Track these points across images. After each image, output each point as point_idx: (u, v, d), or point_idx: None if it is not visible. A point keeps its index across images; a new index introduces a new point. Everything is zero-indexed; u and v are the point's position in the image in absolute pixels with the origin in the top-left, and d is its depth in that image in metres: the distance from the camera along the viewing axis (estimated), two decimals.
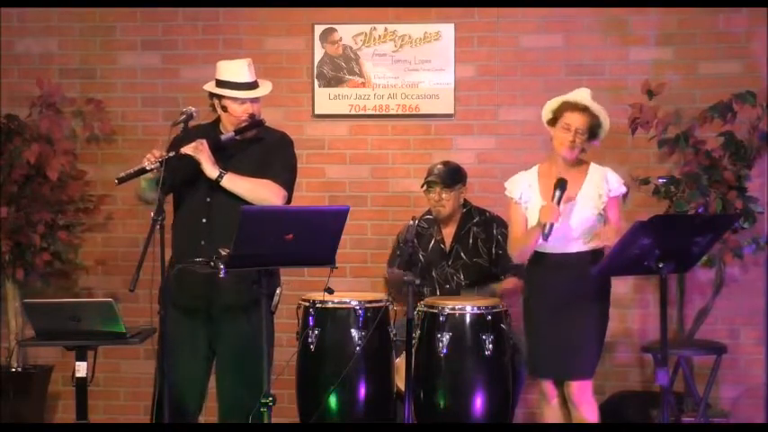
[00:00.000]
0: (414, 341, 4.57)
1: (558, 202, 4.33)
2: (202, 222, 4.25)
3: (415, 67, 5.87)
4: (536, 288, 4.55)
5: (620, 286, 4.68)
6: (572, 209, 4.42)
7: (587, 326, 4.43)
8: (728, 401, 5.67)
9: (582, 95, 4.48)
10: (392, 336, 4.83)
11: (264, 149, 4.34)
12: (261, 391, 3.85)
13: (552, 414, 4.58)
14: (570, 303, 4.39)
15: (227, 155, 4.28)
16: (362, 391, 4.75)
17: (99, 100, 5.86)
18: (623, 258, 4.02)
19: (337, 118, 5.92)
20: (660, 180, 5.47)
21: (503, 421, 4.73)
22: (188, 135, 4.15)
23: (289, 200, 4.36)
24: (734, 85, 5.43)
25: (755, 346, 5.72)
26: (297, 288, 5.35)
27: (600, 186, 4.46)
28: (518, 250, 4.59)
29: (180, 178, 4.16)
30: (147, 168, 4.11)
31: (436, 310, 4.72)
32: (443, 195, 5.20)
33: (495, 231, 5.23)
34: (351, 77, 5.90)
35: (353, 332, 4.73)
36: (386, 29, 5.88)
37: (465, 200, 5.32)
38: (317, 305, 4.76)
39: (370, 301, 4.83)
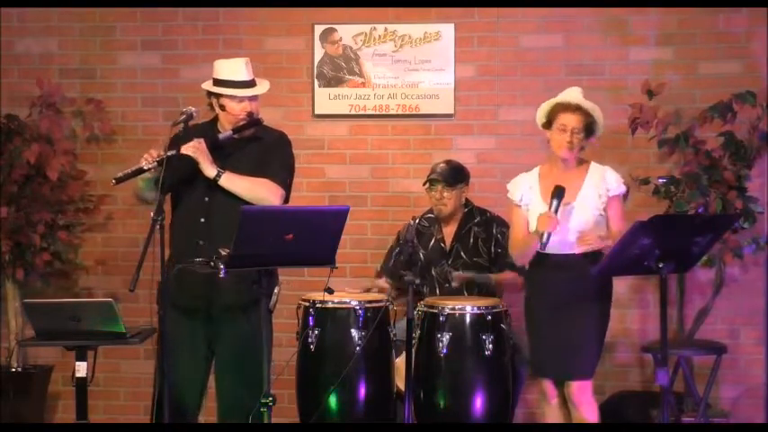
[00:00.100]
0: (414, 341, 4.58)
1: (556, 211, 4.34)
2: (200, 222, 4.24)
3: (415, 67, 5.87)
4: (537, 288, 4.55)
5: (620, 286, 4.68)
6: (573, 209, 4.43)
7: (587, 326, 4.43)
8: (728, 401, 5.67)
9: (573, 95, 4.49)
10: (392, 336, 4.83)
11: (262, 149, 4.34)
12: (260, 391, 3.85)
13: (552, 414, 4.58)
14: (570, 303, 4.39)
15: (224, 154, 4.28)
16: (362, 391, 4.75)
17: (99, 100, 5.86)
18: (623, 258, 4.03)
19: (337, 118, 5.92)
20: (660, 180, 5.47)
21: (503, 421, 4.73)
22: (186, 134, 4.15)
23: (287, 199, 4.37)
24: (734, 85, 5.44)
25: (755, 346, 5.72)
26: (297, 288, 5.35)
27: (599, 186, 4.46)
28: (518, 253, 4.63)
29: (178, 178, 4.15)
30: (145, 168, 4.11)
31: (436, 310, 4.72)
32: (445, 194, 5.20)
33: (494, 230, 5.23)
34: (351, 77, 5.90)
35: (353, 332, 4.73)
36: (386, 29, 5.88)
37: (467, 199, 5.32)
38: (317, 305, 4.76)
39: (370, 301, 4.83)
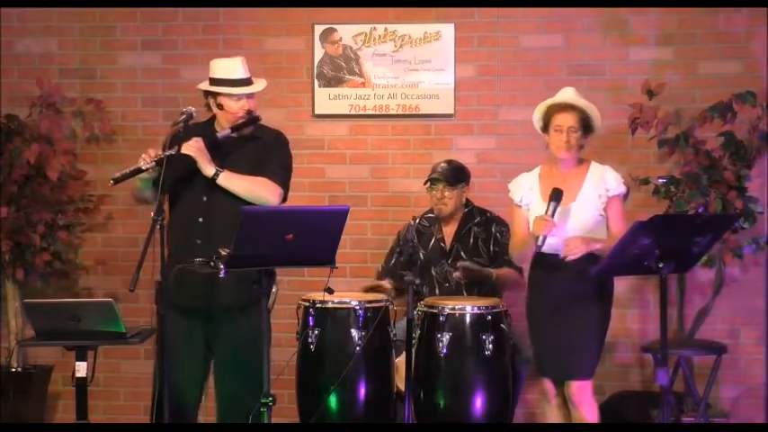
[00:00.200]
0: (414, 341, 4.57)
1: (553, 214, 4.34)
2: (199, 221, 4.24)
3: (415, 67, 5.87)
4: (537, 288, 4.55)
5: (620, 286, 4.68)
6: (573, 209, 4.43)
7: (587, 326, 4.43)
8: (728, 401, 5.67)
9: (565, 94, 4.49)
10: (392, 336, 4.83)
11: (260, 148, 4.34)
12: (259, 391, 3.85)
13: (552, 413, 4.58)
14: (570, 304, 4.39)
15: (222, 153, 4.28)
16: (362, 391, 4.74)
17: (99, 100, 5.86)
18: (623, 258, 4.02)
19: (337, 118, 5.92)
20: (660, 180, 5.47)
21: (503, 421, 4.73)
22: (183, 134, 4.14)
23: (285, 198, 4.37)
24: (734, 85, 5.44)
25: (755, 346, 5.72)
26: (297, 288, 5.35)
27: (599, 186, 4.46)
28: (518, 254, 4.67)
29: (176, 177, 4.15)
30: (143, 168, 4.12)
31: (436, 310, 4.71)
32: (446, 193, 5.20)
33: (493, 230, 5.23)
34: (351, 77, 5.90)
35: (353, 332, 4.72)
36: (386, 29, 5.88)
37: (467, 199, 5.32)
38: (317, 305, 4.76)
39: (370, 302, 4.82)
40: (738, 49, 5.71)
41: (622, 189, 4.50)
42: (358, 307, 4.76)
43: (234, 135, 4.30)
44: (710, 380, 5.30)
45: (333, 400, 4.69)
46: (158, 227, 3.87)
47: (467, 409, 4.66)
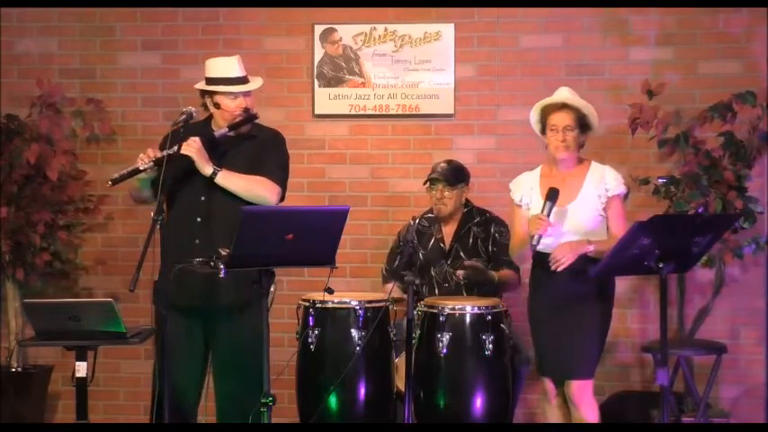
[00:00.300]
0: (414, 341, 4.58)
1: (549, 214, 4.33)
2: (197, 221, 4.24)
3: (415, 67, 5.87)
4: (538, 288, 4.55)
5: (620, 286, 4.68)
6: (573, 209, 4.43)
7: (588, 326, 4.43)
8: (728, 401, 5.67)
9: (560, 94, 4.50)
10: (392, 336, 4.83)
11: (257, 146, 4.35)
12: (259, 391, 3.85)
13: (553, 413, 4.58)
14: (571, 304, 4.39)
15: (220, 152, 4.28)
16: (362, 391, 4.75)
17: (99, 100, 5.86)
18: (623, 258, 4.02)
19: (337, 118, 5.92)
20: (660, 180, 5.47)
21: (503, 421, 4.73)
22: (180, 134, 4.14)
23: (282, 197, 4.37)
24: (734, 85, 5.44)
25: (755, 346, 5.72)
26: (297, 288, 5.35)
27: (599, 186, 4.46)
28: (518, 254, 4.68)
29: (174, 177, 4.15)
30: (141, 169, 4.12)
31: (436, 310, 4.71)
32: (445, 193, 5.20)
33: (492, 229, 5.23)
34: (351, 77, 5.90)
35: (353, 332, 4.73)
36: (386, 29, 5.88)
37: (467, 200, 5.32)
38: (317, 305, 4.76)
39: (370, 301, 4.82)
40: (738, 49, 5.71)
41: (622, 189, 4.49)
42: (358, 307, 4.76)
43: (231, 134, 4.30)
44: (710, 380, 5.30)
45: (333, 400, 4.70)
46: (158, 227, 3.88)
47: (467, 409, 4.66)
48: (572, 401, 4.46)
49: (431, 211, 5.31)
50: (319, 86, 5.91)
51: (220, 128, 4.32)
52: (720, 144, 5.38)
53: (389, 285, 5.02)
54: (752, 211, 5.31)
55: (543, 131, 4.52)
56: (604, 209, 4.45)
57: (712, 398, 5.46)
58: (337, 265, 3.89)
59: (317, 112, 5.92)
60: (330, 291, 4.08)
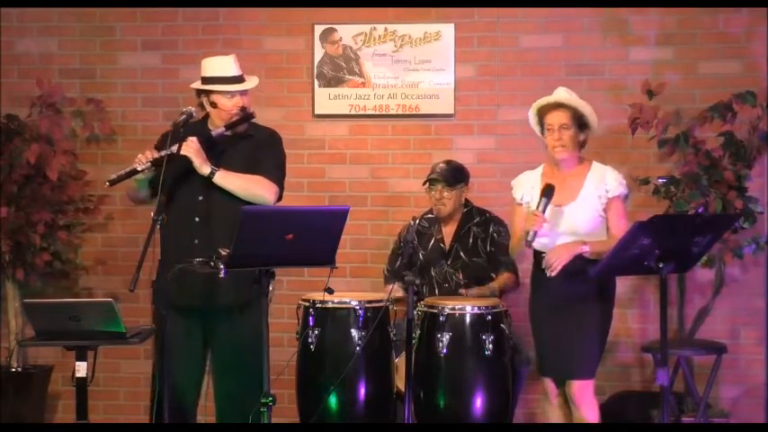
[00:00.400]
0: (414, 341, 4.57)
1: (544, 210, 4.33)
2: (195, 221, 4.24)
3: (415, 67, 5.87)
4: (539, 288, 4.55)
5: (620, 286, 4.67)
6: (573, 210, 4.42)
7: (588, 326, 4.42)
8: (728, 401, 5.67)
9: (555, 94, 4.49)
10: (392, 336, 4.83)
11: (254, 146, 4.35)
12: (258, 391, 3.85)
13: (553, 413, 4.58)
14: (572, 304, 4.39)
15: (217, 152, 4.28)
16: (362, 391, 4.75)
17: (99, 100, 5.86)
18: (623, 258, 4.02)
19: (337, 118, 5.92)
20: (660, 180, 5.47)
21: (503, 421, 4.73)
22: (183, 134, 4.14)
23: (280, 196, 4.37)
24: (734, 85, 5.44)
25: (755, 346, 5.72)
26: (297, 288, 5.35)
27: (599, 187, 4.46)
28: (518, 253, 4.69)
29: (171, 177, 4.15)
30: (139, 169, 4.13)
31: (436, 310, 4.72)
32: (445, 194, 5.20)
33: (491, 229, 5.24)
34: (351, 77, 5.90)
35: (353, 332, 4.73)
36: (386, 29, 5.88)
37: (466, 200, 5.32)
38: (317, 305, 4.76)
39: (370, 301, 4.82)
40: (738, 49, 5.71)
41: (622, 190, 4.47)
42: (358, 307, 4.76)
43: (228, 133, 4.31)
44: (710, 380, 5.30)
45: (333, 400, 4.70)
46: (158, 227, 3.88)
47: (467, 409, 4.67)
48: (573, 401, 4.46)
49: (431, 211, 5.31)
50: (319, 86, 5.91)
51: (217, 127, 4.32)
52: (720, 144, 5.38)
53: (391, 286, 5.02)
54: (752, 211, 5.31)
55: (543, 132, 4.52)
56: (604, 210, 4.45)
57: (712, 398, 5.46)
58: (337, 265, 3.89)
59: (316, 112, 5.92)
60: (330, 291, 4.08)
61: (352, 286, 5.59)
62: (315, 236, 3.80)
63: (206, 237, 4.18)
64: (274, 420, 3.91)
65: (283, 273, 5.38)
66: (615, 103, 5.64)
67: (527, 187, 4.56)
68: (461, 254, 5.22)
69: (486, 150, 5.85)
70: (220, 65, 4.34)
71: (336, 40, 5.90)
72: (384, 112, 5.89)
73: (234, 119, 4.30)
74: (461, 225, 5.27)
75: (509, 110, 5.79)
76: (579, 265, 4.34)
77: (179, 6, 5.91)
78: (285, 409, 4.83)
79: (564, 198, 4.43)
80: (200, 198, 4.25)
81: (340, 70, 5.90)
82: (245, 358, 4.07)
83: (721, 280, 5.50)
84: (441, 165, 5.28)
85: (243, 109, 4.32)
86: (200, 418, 4.43)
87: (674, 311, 5.54)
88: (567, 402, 4.51)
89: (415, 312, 4.61)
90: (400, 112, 5.88)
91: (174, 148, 4.11)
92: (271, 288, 4.06)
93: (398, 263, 5.27)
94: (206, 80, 4.33)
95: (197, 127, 4.34)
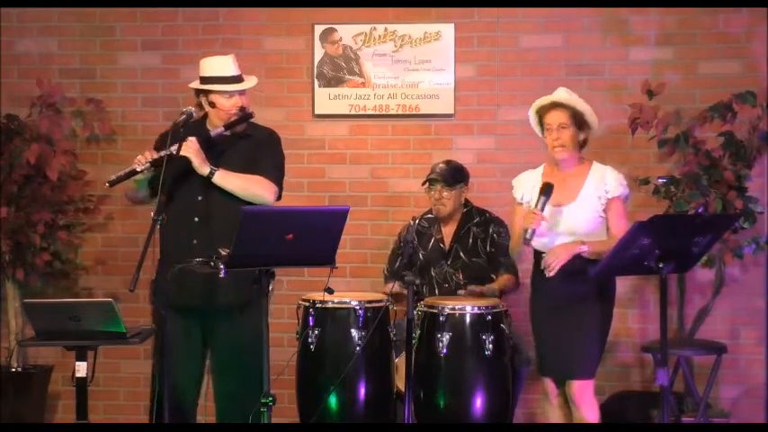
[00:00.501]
0: (414, 341, 4.58)
1: (542, 208, 4.33)
2: (194, 221, 4.25)
3: (415, 67, 5.87)
4: (539, 288, 4.55)
5: (620, 286, 4.68)
6: (572, 210, 4.42)
7: (588, 326, 4.42)
8: (728, 401, 5.67)
9: (555, 94, 4.48)
10: (392, 336, 4.83)
11: (253, 146, 4.35)
12: (258, 391, 3.85)
13: (553, 413, 4.58)
14: (572, 304, 4.39)
15: (216, 152, 4.28)
16: (362, 391, 4.75)
17: (99, 100, 5.86)
18: (623, 258, 4.02)
19: (337, 118, 5.92)
20: (660, 180, 5.47)
21: (503, 421, 4.73)
22: (183, 134, 4.14)
23: (279, 196, 4.37)
24: (734, 85, 5.44)
25: (755, 346, 5.72)
26: (297, 288, 5.35)
27: (599, 188, 4.45)
28: (518, 252, 4.67)
29: (171, 177, 4.15)
30: (138, 170, 4.13)
31: (436, 310, 4.72)
32: (444, 194, 5.20)
33: (491, 230, 5.24)
34: (351, 77, 5.90)
35: (353, 332, 4.73)
36: (386, 29, 5.88)
37: (466, 200, 5.32)
38: (317, 305, 4.76)
39: (370, 301, 4.82)
40: (738, 49, 5.71)
41: (622, 191, 4.46)
42: (358, 307, 4.76)
43: (227, 133, 4.31)
44: (710, 380, 5.30)
45: (333, 400, 4.70)
46: (158, 227, 3.88)
47: (467, 409, 4.67)
48: (573, 401, 4.46)
49: (431, 211, 5.31)
50: (319, 86, 5.91)
51: (215, 127, 4.32)
52: (720, 144, 5.38)
53: (390, 285, 5.02)
54: (752, 211, 5.31)
55: (543, 133, 4.52)
56: (604, 210, 4.45)
57: (712, 398, 5.46)
58: (337, 265, 3.89)
59: (316, 112, 5.92)
60: (330, 291, 4.08)
61: (352, 286, 5.59)
62: (315, 236, 3.80)
63: (205, 237, 4.18)
64: (274, 420, 3.91)
65: (283, 273, 5.37)
66: (615, 103, 5.64)
67: (528, 187, 4.56)
68: (461, 254, 5.22)
69: (486, 150, 5.85)
70: (219, 64, 4.34)
71: (336, 40, 5.90)
72: (384, 112, 5.89)
73: (233, 119, 4.30)
74: (461, 225, 5.27)
75: (509, 110, 5.79)
76: (579, 266, 4.34)
77: (179, 6, 5.91)
78: (285, 409, 4.83)
79: (564, 198, 4.43)
80: (200, 198, 4.25)
81: (340, 70, 5.90)
82: (245, 358, 4.07)
83: (721, 280, 5.50)
84: (440, 165, 5.28)
85: (242, 109, 4.32)
86: (200, 418, 4.43)
87: (674, 311, 5.54)
88: (566, 402, 4.51)
89: (415, 312, 4.61)
90: (400, 112, 5.88)
91: (174, 149, 4.11)
92: (270, 288, 4.06)
93: (398, 263, 5.27)
94: (204, 80, 4.33)
95: (195, 127, 4.34)
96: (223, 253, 3.71)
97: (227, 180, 4.21)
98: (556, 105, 4.45)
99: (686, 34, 5.75)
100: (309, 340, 4.75)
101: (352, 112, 5.90)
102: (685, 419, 5.33)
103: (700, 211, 5.23)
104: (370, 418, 4.74)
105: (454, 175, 5.23)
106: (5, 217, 5.53)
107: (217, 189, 4.21)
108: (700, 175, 5.32)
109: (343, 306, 4.79)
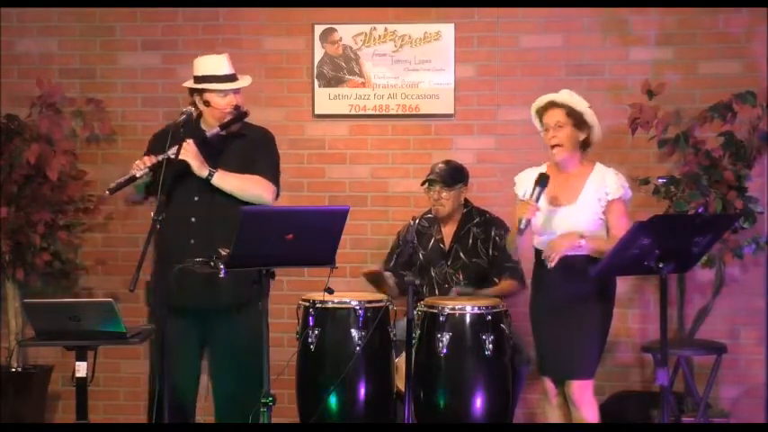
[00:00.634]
0: (414, 341, 4.58)
1: (537, 199, 4.33)
2: (191, 222, 4.25)
3: (415, 67, 5.87)
4: (539, 288, 4.55)
5: (620, 286, 4.67)
6: (573, 211, 4.42)
7: (588, 326, 4.42)
8: (728, 401, 5.67)
9: (553, 95, 4.48)
10: (392, 336, 4.83)
11: (248, 145, 4.35)
12: (257, 391, 3.85)
13: (553, 413, 4.58)
14: (571, 304, 4.39)
15: (212, 152, 4.28)
16: (362, 391, 4.74)
17: (99, 100, 5.86)
18: (623, 258, 4.02)
19: (337, 118, 5.92)
20: (660, 180, 5.47)
21: (503, 421, 4.73)
22: (180, 135, 4.14)
23: (277, 195, 4.37)
24: (734, 85, 5.44)
25: (755, 346, 5.72)
26: (297, 288, 5.35)
27: (599, 189, 4.45)
28: (513, 246, 4.66)
29: (169, 177, 4.14)
30: (138, 176, 4.13)
31: (436, 310, 4.71)
32: (443, 194, 5.20)
33: (493, 233, 5.23)
34: (351, 77, 5.90)
35: (353, 332, 4.72)
36: (386, 29, 5.88)
37: (466, 200, 5.32)
38: (317, 305, 4.76)
39: (370, 301, 4.82)
40: (738, 49, 5.71)
41: (622, 193, 4.45)
42: (358, 307, 4.76)
43: (223, 133, 4.30)
44: (710, 380, 5.30)
45: (333, 400, 4.69)
46: (158, 227, 3.87)
47: (467, 409, 4.66)
48: (572, 401, 4.46)
49: (431, 211, 5.31)
50: (319, 86, 5.91)
51: (210, 126, 4.32)
52: (720, 144, 5.38)
53: (387, 274, 5.04)
54: (752, 211, 5.31)
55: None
56: (604, 212, 4.44)
57: (712, 398, 5.46)
58: (337, 265, 3.89)
59: (316, 112, 5.92)
60: (330, 291, 4.08)
61: (352, 286, 5.58)
62: (315, 236, 3.80)
63: (202, 237, 4.17)
64: (274, 420, 3.90)
65: (283, 273, 5.37)
66: (615, 103, 5.64)
67: (529, 184, 4.55)
68: (461, 254, 5.22)
69: (486, 150, 5.85)
70: (213, 63, 4.34)
71: (336, 40, 5.90)
72: (384, 112, 5.89)
73: (227, 118, 4.30)
74: (461, 225, 5.27)
75: (509, 110, 5.80)
76: (579, 265, 4.34)
77: (179, 6, 5.91)
78: (285, 409, 4.82)
79: (564, 199, 4.43)
80: (196, 198, 4.25)
81: (340, 70, 5.90)
82: (245, 358, 4.07)
83: (721, 280, 5.50)
84: (440, 165, 5.28)
85: (236, 107, 4.32)
86: (200, 418, 4.43)
87: (674, 311, 5.54)
88: (566, 402, 4.51)
89: (415, 312, 4.61)
90: (400, 112, 5.89)
91: (171, 153, 4.11)
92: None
93: (393, 262, 5.27)
94: (199, 79, 4.33)
95: (190, 127, 4.34)
96: (223, 253, 3.71)
97: (225, 181, 4.21)
98: (553, 105, 4.45)
99: (686, 34, 5.75)
100: (309, 340, 4.75)
101: (352, 112, 5.90)
102: (685, 419, 5.33)
103: (700, 211, 5.23)
104: (370, 418, 4.74)
105: (453, 176, 5.23)
106: (5, 217, 5.53)
107: (213, 189, 4.21)
108: (700, 175, 5.32)
109: (343, 306, 4.78)
